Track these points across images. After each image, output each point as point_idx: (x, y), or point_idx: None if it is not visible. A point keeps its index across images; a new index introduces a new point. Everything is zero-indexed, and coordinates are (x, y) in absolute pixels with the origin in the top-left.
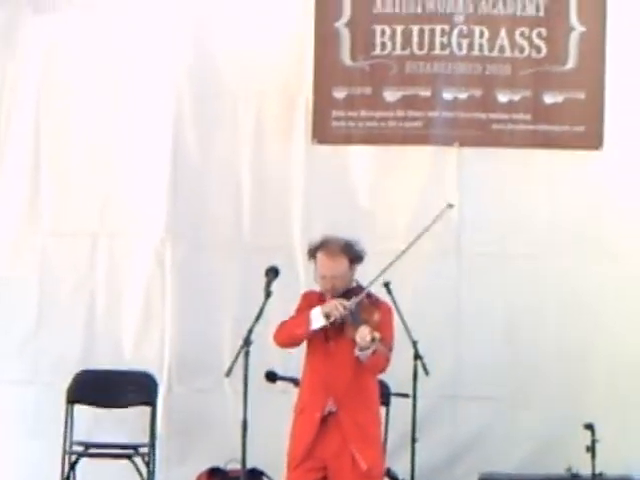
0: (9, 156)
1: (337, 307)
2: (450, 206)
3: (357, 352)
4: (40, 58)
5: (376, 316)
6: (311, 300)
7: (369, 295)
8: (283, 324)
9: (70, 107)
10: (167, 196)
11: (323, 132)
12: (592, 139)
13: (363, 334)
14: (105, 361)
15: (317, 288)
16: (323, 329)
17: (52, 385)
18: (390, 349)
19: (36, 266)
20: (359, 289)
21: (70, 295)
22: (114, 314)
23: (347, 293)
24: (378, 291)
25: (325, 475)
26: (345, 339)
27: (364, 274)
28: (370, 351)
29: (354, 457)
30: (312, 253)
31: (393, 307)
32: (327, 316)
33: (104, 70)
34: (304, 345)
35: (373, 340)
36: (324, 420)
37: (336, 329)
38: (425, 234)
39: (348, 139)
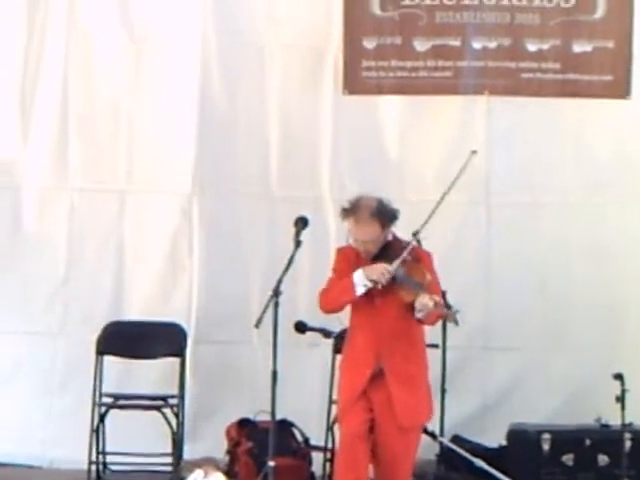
0: (37, 113)
1: (383, 274)
2: (474, 152)
3: (417, 315)
4: (66, 9)
5: (428, 276)
6: (348, 256)
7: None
8: (327, 291)
9: (97, 64)
10: (194, 150)
11: (354, 82)
12: (620, 88)
13: (424, 301)
14: (133, 314)
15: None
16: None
17: (81, 337)
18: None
19: (64, 221)
20: (397, 243)
21: (98, 249)
22: (142, 267)
23: (385, 247)
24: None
25: (373, 418)
26: (391, 295)
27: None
28: (430, 310)
29: (397, 411)
30: (344, 215)
31: None
32: (373, 282)
33: (130, 24)
34: None
35: (435, 305)
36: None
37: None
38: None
39: (379, 89)
